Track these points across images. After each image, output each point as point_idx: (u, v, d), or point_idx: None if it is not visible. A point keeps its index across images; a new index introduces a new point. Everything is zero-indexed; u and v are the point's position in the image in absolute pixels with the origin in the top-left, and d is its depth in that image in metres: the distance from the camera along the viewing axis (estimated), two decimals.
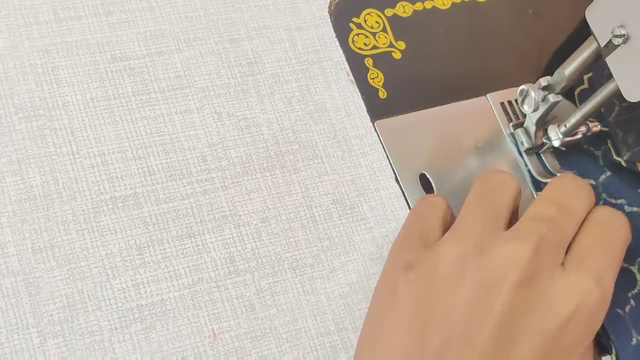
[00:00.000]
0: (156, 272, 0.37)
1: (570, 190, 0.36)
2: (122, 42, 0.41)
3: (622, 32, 0.36)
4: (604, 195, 0.43)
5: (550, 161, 0.44)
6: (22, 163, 0.37)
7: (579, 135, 0.43)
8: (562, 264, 0.34)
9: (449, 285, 0.33)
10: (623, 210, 0.42)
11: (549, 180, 0.43)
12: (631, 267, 0.40)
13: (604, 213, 0.37)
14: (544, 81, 0.41)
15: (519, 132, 0.44)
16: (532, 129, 0.43)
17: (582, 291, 0.33)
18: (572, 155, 0.44)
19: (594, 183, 0.43)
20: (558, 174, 0.43)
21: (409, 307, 0.34)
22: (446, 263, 0.34)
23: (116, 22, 0.41)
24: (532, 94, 0.41)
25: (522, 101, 0.42)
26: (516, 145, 0.45)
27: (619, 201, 0.42)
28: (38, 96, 0.38)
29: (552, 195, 0.36)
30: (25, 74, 0.39)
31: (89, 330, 0.35)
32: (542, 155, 0.44)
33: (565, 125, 0.42)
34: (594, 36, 0.38)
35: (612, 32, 0.36)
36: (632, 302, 0.41)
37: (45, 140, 0.38)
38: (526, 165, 0.44)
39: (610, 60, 0.37)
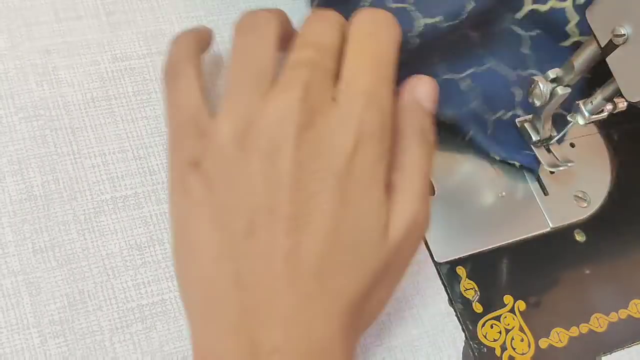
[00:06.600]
0: (157, 272, 0.37)
1: (320, 27, 0.35)
2: (123, 42, 0.41)
3: (622, 32, 0.36)
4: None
5: (558, 153, 0.43)
6: (22, 163, 0.37)
7: (605, 114, 0.40)
8: (334, 98, 0.33)
9: (238, 168, 0.32)
10: (385, 7, 0.39)
11: (560, 169, 0.43)
12: None
13: (363, 22, 0.35)
14: (552, 73, 0.40)
15: (527, 125, 0.44)
16: (541, 121, 0.43)
17: (355, 116, 0.32)
18: None
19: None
20: (569, 164, 0.43)
21: (207, 205, 0.32)
22: (228, 148, 0.32)
23: (116, 22, 0.41)
24: (541, 86, 0.40)
25: (531, 93, 0.41)
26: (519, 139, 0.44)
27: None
28: (38, 96, 0.38)
29: (304, 39, 0.35)
30: (26, 74, 0.39)
31: (90, 330, 0.35)
32: (551, 147, 0.44)
33: (591, 102, 0.40)
34: (594, 36, 0.38)
35: (612, 32, 0.36)
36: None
37: (46, 140, 0.38)
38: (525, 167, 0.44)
39: (610, 60, 0.37)
